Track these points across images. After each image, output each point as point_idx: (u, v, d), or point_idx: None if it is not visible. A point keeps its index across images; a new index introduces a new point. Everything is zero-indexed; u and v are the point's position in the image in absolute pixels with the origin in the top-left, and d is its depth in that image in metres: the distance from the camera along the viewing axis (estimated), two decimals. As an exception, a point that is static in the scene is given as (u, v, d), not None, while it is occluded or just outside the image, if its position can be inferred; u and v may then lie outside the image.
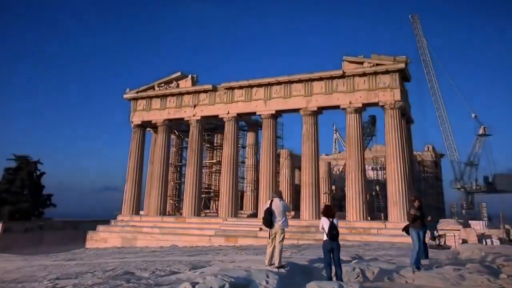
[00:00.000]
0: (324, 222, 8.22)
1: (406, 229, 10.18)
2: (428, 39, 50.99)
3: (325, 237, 8.17)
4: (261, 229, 28.74)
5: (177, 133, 39.72)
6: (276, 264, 8.13)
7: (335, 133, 57.28)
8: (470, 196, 45.16)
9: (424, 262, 9.43)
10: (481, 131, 45.34)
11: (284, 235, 8.43)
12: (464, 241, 23.66)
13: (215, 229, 30.00)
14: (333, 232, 8.02)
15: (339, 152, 55.83)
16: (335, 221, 8.17)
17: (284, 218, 8.46)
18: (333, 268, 7.86)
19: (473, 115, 45.84)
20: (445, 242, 23.53)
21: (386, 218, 29.57)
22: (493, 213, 41.81)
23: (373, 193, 35.02)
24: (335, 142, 57.73)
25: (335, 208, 35.48)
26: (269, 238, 8.50)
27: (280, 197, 8.76)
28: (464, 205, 44.35)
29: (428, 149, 48.55)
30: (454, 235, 22.53)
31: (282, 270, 7.72)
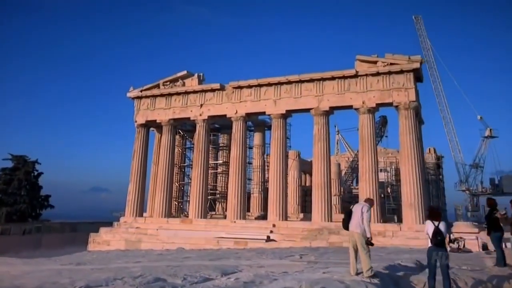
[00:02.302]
0: (429, 226, 7.43)
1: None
2: (432, 40, 50.75)
3: (429, 243, 7.39)
4: (272, 231, 28.05)
5: (181, 133, 38.86)
6: (365, 274, 7.40)
7: (337, 134, 56.87)
8: (475, 198, 44.88)
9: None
10: (487, 133, 45.09)
11: (365, 242, 7.71)
12: (484, 245, 23.13)
13: (224, 232, 29.17)
14: (437, 238, 7.22)
15: (342, 154, 55.37)
16: (441, 225, 7.32)
17: (361, 222, 7.76)
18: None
19: (478, 116, 45.62)
20: (464, 245, 22.96)
21: (399, 221, 29.07)
22: None
23: (382, 195, 34.47)
24: (337, 143, 57.28)
25: (344, 209, 34.98)
26: (349, 242, 7.89)
27: (368, 204, 8.09)
28: (469, 207, 44.05)
29: (430, 151, 48.21)
30: (478, 238, 22.01)
31: (375, 280, 6.99)
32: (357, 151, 44.67)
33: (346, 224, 8.04)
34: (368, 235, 7.63)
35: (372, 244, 7.66)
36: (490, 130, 44.87)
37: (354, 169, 45.69)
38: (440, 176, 49.35)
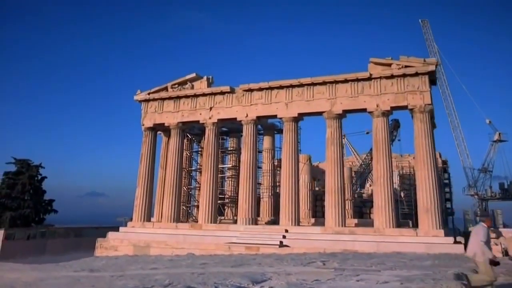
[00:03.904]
0: None
1: None
2: (439, 44, 50.48)
3: None
4: (284, 237, 27.52)
5: (188, 137, 38.32)
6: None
7: (343, 138, 56.32)
8: (484, 203, 44.48)
9: None
10: (496, 137, 44.75)
11: (484, 269, 7.21)
12: (505, 251, 22.70)
13: (235, 237, 28.60)
14: None
15: (346, 158, 54.86)
16: None
17: (477, 245, 7.25)
18: None
19: (487, 120, 45.27)
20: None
21: (414, 226, 28.64)
22: (507, 221, 41.30)
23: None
24: (342, 147, 56.71)
25: (356, 214, 34.43)
26: None
27: (483, 221, 7.60)
28: (478, 212, 43.66)
29: (435, 156, 47.84)
30: (500, 244, 21.60)
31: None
32: (366, 155, 44.34)
33: (465, 245, 7.82)
34: (489, 256, 7.13)
35: (497, 264, 7.16)
36: (499, 134, 44.53)
37: (361, 173, 45.25)
38: (446, 181, 48.99)
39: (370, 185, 52.45)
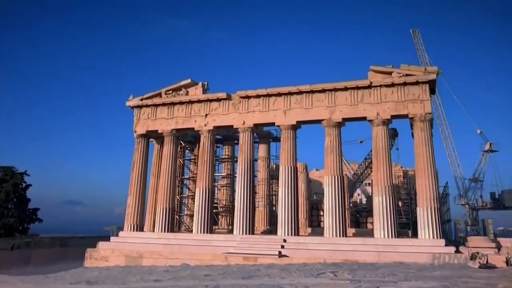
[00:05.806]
0: None
1: None
2: (430, 54, 50.94)
3: None
4: (283, 246, 26.91)
5: (182, 144, 37.43)
6: None
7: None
8: (475, 212, 44.75)
9: None
10: (487, 147, 45.16)
11: None
12: (508, 260, 22.55)
13: (232, 247, 27.86)
14: None
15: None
16: None
17: None
18: None
19: (478, 130, 45.70)
20: (487, 261, 22.31)
21: (413, 235, 28.38)
22: (497, 230, 41.60)
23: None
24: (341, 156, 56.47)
25: (352, 224, 33.98)
26: None
27: None
28: (469, 221, 43.89)
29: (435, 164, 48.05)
30: (507, 254, 21.43)
31: None
32: (360, 164, 44.19)
33: None
34: None
35: None
36: (490, 144, 44.95)
37: (354, 183, 45.09)
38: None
39: (359, 194, 52.45)
